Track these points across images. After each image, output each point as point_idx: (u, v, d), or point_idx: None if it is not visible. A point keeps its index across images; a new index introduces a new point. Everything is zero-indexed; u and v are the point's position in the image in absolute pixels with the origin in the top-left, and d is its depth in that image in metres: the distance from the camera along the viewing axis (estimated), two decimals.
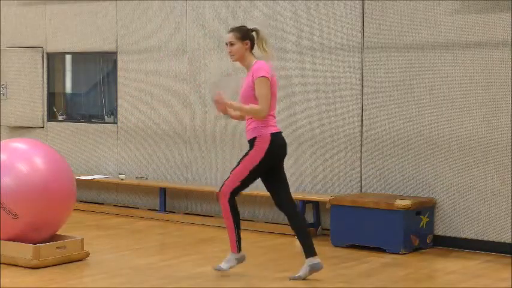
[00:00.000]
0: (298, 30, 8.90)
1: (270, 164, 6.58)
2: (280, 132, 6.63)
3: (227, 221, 6.66)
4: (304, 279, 6.62)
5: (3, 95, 11.35)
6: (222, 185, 6.65)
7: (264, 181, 6.74)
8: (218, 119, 9.49)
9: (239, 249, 6.72)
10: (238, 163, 6.62)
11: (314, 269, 6.65)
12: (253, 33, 6.65)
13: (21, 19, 11.31)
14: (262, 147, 6.52)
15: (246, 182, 6.62)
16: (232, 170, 6.65)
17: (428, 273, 7.09)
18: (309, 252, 6.67)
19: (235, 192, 6.63)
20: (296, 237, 6.71)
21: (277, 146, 6.57)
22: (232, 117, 6.90)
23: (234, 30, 6.65)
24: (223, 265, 6.73)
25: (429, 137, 8.13)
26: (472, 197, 7.93)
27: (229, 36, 6.61)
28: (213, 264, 6.92)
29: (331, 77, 8.71)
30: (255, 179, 6.67)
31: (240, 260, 6.77)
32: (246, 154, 6.60)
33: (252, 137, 6.57)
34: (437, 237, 8.12)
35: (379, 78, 8.40)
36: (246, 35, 6.60)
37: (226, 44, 6.63)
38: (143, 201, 10.22)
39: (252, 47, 6.62)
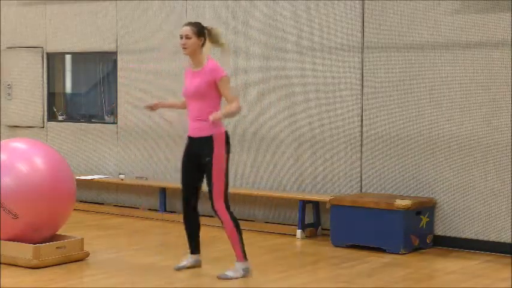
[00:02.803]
0: (298, 30, 8.90)
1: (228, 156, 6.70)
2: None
3: (231, 233, 6.65)
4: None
5: (9, 94, 11.38)
6: (212, 202, 6.63)
7: (192, 175, 6.75)
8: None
9: (245, 257, 6.70)
10: (210, 172, 6.58)
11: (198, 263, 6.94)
12: (206, 31, 6.73)
13: (21, 19, 11.31)
14: (221, 143, 6.59)
15: (227, 182, 6.66)
16: (209, 183, 6.62)
17: (428, 273, 7.08)
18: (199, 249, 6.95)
19: (227, 197, 6.65)
20: (193, 234, 6.88)
21: (229, 142, 6.69)
22: (172, 106, 7.54)
23: (192, 24, 6.74)
24: (230, 274, 6.68)
25: (429, 137, 8.13)
26: (472, 197, 7.93)
27: (186, 30, 6.67)
28: (213, 264, 6.92)
29: (331, 77, 8.71)
30: (228, 174, 6.71)
31: (246, 271, 6.69)
32: (209, 159, 6.56)
33: (207, 135, 6.57)
34: (437, 237, 8.12)
35: (379, 78, 8.40)
36: (202, 32, 6.70)
37: (181, 37, 6.67)
38: (143, 201, 10.22)
39: (203, 45, 6.69)
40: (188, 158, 6.77)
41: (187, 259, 6.97)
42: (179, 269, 6.92)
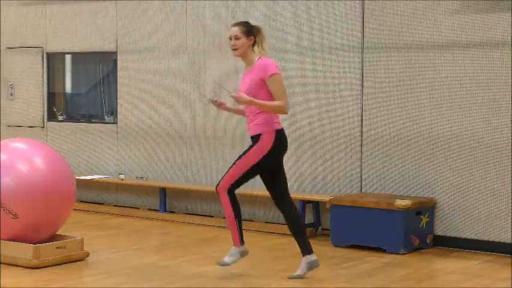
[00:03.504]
0: (298, 30, 8.90)
1: (272, 161, 6.56)
2: (283, 129, 6.64)
3: (229, 216, 6.62)
4: (302, 277, 6.62)
5: (11, 94, 11.39)
6: (221, 181, 6.62)
7: (263, 177, 6.72)
8: (218, 119, 9.50)
9: (242, 241, 6.68)
10: (240, 157, 6.57)
11: (312, 266, 6.66)
12: (255, 30, 6.64)
13: (21, 19, 11.31)
14: (267, 143, 6.49)
15: (245, 177, 6.59)
16: (231, 166, 6.61)
17: (428, 273, 7.09)
18: (306, 250, 6.66)
19: (235, 186, 6.59)
20: (293, 235, 6.71)
21: (281, 143, 6.57)
22: (236, 112, 6.97)
23: (240, 24, 6.64)
24: (227, 259, 6.71)
25: (429, 137, 8.13)
26: (472, 197, 7.93)
27: (235, 30, 6.57)
28: (213, 264, 6.92)
29: (331, 77, 8.71)
30: (255, 175, 6.65)
31: (243, 254, 6.74)
32: (249, 149, 6.55)
33: (256, 133, 6.53)
34: (437, 237, 8.12)
35: (379, 78, 8.40)
36: (251, 31, 6.60)
37: (230, 38, 6.58)
38: (143, 201, 10.22)
39: (254, 44, 6.60)
40: None
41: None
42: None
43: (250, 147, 6.58)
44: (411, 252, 7.84)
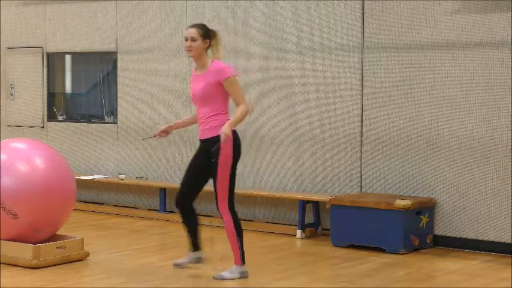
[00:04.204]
0: (298, 30, 8.90)
1: (238, 156, 6.61)
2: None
3: (231, 236, 6.61)
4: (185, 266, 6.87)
5: (11, 94, 11.39)
6: (216, 202, 6.60)
7: (200, 176, 6.73)
8: None
9: (243, 261, 6.67)
10: (216, 173, 6.52)
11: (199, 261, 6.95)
12: (211, 33, 6.69)
13: (21, 19, 11.31)
14: (229, 144, 6.49)
15: (232, 184, 6.59)
16: (214, 184, 6.58)
17: (428, 273, 7.09)
18: (198, 246, 6.94)
19: (232, 199, 6.59)
20: (191, 231, 6.87)
21: (239, 141, 6.63)
22: (184, 125, 7.25)
23: (198, 26, 6.68)
24: (227, 275, 6.65)
25: (429, 137, 8.13)
26: (472, 197, 7.93)
27: (193, 32, 6.61)
28: (213, 264, 6.92)
29: (331, 77, 8.71)
30: (235, 175, 6.65)
31: (243, 275, 6.67)
32: (214, 160, 6.51)
33: (214, 135, 6.51)
34: (437, 237, 8.12)
35: (379, 79, 8.40)
36: (207, 34, 6.65)
37: (186, 39, 6.62)
38: (143, 201, 10.22)
39: (208, 47, 6.65)
40: (196, 158, 6.77)
41: (187, 256, 6.97)
42: (177, 265, 6.95)
43: (214, 156, 6.51)
44: (411, 252, 7.84)
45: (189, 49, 6.61)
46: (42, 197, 6.95)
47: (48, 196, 6.98)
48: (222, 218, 6.63)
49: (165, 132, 7.04)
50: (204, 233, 8.35)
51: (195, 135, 9.72)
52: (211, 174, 6.60)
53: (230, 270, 6.66)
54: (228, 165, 6.53)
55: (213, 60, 6.63)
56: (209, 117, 6.56)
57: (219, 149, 6.48)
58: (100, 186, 10.53)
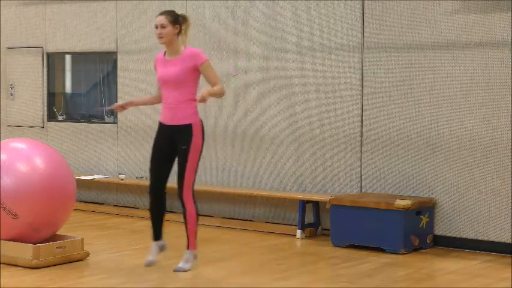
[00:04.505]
0: (298, 30, 8.90)
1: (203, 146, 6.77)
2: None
3: (193, 224, 6.80)
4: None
5: (11, 94, 11.39)
6: (181, 190, 6.71)
7: (168, 162, 6.81)
8: (218, 118, 9.49)
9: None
10: (185, 160, 6.65)
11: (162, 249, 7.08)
12: (181, 19, 6.80)
13: (21, 19, 11.31)
14: (198, 132, 6.67)
15: (196, 172, 6.76)
16: (181, 171, 6.67)
17: (428, 273, 7.09)
18: (161, 234, 7.08)
19: (193, 187, 6.77)
20: (159, 219, 7.00)
21: (204, 131, 6.78)
22: (144, 103, 7.43)
23: (166, 13, 6.79)
24: (186, 266, 6.81)
25: (429, 137, 8.13)
26: (472, 197, 7.93)
27: (162, 19, 6.74)
28: (213, 265, 6.93)
29: (331, 77, 8.71)
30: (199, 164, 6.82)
31: (195, 257, 6.88)
32: (185, 148, 6.63)
33: (186, 123, 6.64)
34: (437, 237, 8.12)
35: (379, 79, 8.40)
36: (177, 20, 6.76)
37: (157, 27, 6.73)
38: (143, 201, 10.21)
39: (179, 32, 6.77)
40: (162, 145, 6.83)
41: (153, 248, 7.06)
42: (149, 264, 7.00)
43: (186, 142, 6.63)
44: (411, 252, 7.84)
45: (160, 36, 6.73)
46: (42, 197, 6.95)
47: (48, 196, 6.98)
48: (184, 205, 6.74)
49: (123, 107, 7.19)
50: (204, 233, 8.37)
51: None
52: (180, 162, 6.69)
53: (186, 259, 6.82)
54: (197, 153, 6.68)
55: (185, 46, 6.75)
56: (181, 103, 6.66)
57: (191, 136, 6.62)
58: (100, 186, 10.53)
